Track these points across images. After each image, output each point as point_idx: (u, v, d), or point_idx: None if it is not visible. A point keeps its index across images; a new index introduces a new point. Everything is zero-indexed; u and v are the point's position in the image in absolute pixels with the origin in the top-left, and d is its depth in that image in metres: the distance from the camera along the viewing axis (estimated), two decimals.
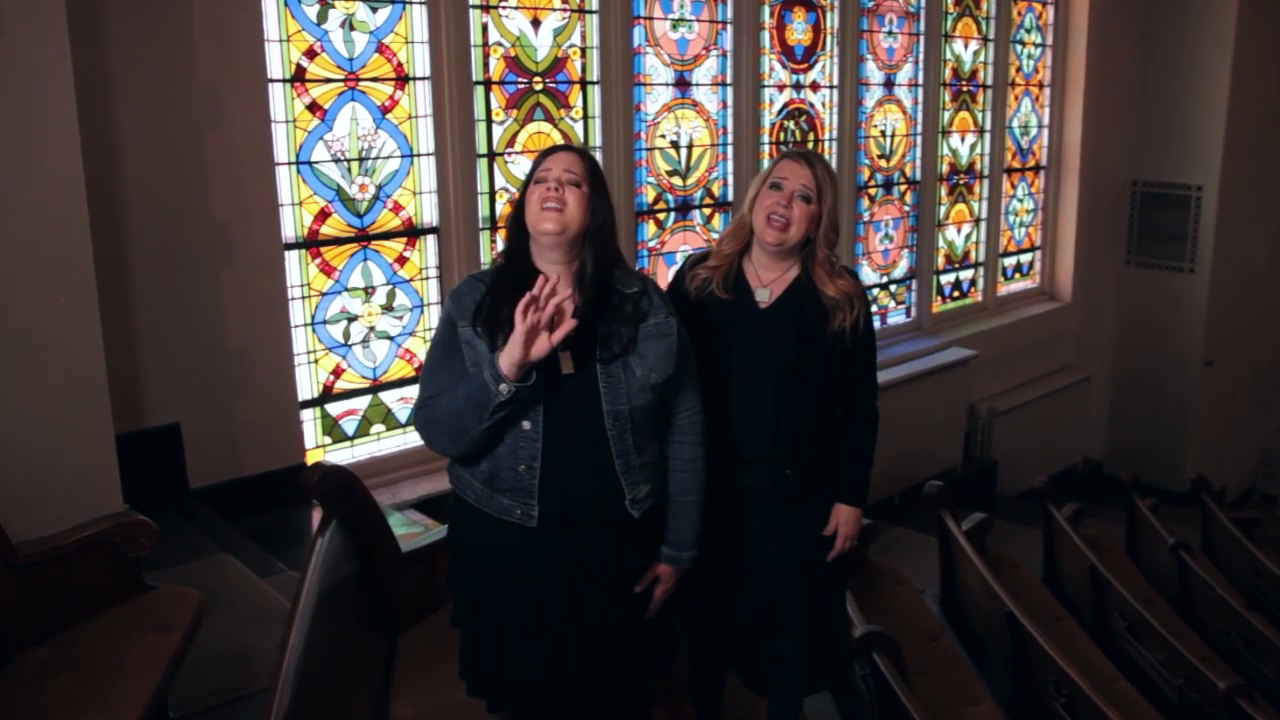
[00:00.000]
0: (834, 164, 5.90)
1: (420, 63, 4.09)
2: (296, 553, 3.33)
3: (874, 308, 6.23)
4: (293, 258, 3.86)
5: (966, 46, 6.67)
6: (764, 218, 2.55)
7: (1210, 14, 7.38)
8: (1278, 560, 5.28)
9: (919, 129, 6.43)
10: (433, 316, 4.26)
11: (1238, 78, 7.43)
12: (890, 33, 6.10)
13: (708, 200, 5.28)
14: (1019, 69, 7.13)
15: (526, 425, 2.12)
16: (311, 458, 3.98)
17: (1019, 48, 7.09)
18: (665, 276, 2.75)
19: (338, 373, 4.08)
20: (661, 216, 5.10)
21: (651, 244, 5.08)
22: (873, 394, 2.75)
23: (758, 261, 2.63)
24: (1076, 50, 7.35)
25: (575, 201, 2.15)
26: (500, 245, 4.28)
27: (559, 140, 4.52)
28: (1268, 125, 8.12)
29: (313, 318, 3.97)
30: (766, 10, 5.36)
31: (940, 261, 6.80)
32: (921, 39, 6.30)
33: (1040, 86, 7.36)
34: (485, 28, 4.25)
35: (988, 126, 6.96)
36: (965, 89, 6.73)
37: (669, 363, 2.23)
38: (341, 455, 4.11)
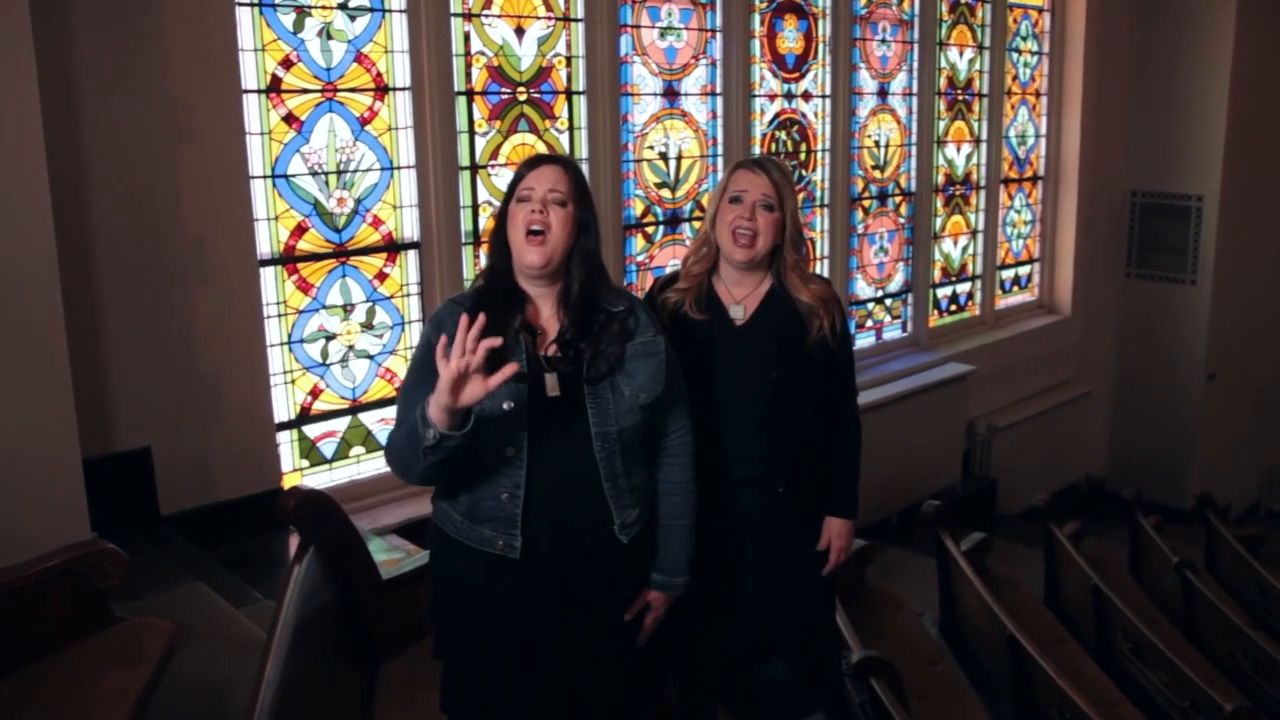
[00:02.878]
0: (827, 175, 5.92)
1: (400, 73, 4.08)
2: (273, 581, 3.29)
3: (869, 322, 6.25)
4: (268, 274, 3.84)
5: (961, 55, 6.71)
6: (729, 234, 2.55)
7: (1208, 22, 7.45)
8: None
9: (914, 139, 6.45)
10: (414, 334, 4.24)
11: (1237, 86, 7.49)
12: (884, 41, 6.12)
13: (698, 213, 5.28)
14: (1015, 77, 7.18)
15: (510, 452, 2.10)
16: (288, 482, 3.95)
17: (1015, 56, 7.14)
18: None
19: (315, 393, 4.05)
20: (650, 230, 5.10)
21: (640, 258, 5.07)
22: (854, 404, 2.76)
23: (728, 278, 2.64)
24: (1074, 58, 7.40)
25: (560, 224, 2.14)
26: (484, 261, 4.28)
27: (544, 152, 4.51)
28: (1268, 134, 8.18)
29: (289, 336, 3.94)
30: (757, 18, 5.38)
31: (937, 274, 6.82)
32: (915, 47, 6.33)
33: (1037, 95, 7.41)
34: (467, 37, 4.25)
35: (984, 136, 6.99)
36: (961, 98, 6.76)
37: (658, 382, 2.23)
38: (320, 479, 4.08)
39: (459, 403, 1.93)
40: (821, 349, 2.60)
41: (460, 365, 1.90)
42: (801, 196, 5.81)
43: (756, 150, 5.46)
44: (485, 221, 4.36)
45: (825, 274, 5.77)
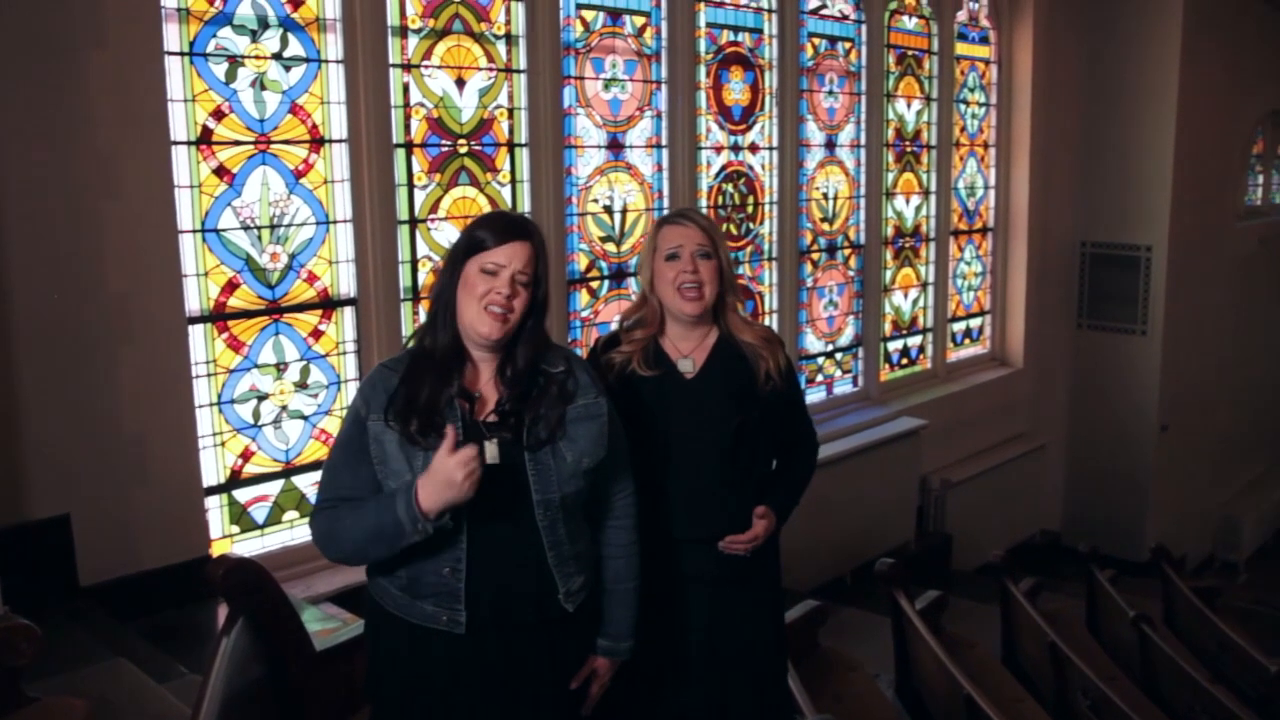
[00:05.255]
0: (775, 228, 6.01)
1: (337, 124, 4.09)
2: (200, 654, 3.22)
3: (820, 377, 6.32)
4: (197, 332, 3.80)
5: (909, 106, 6.87)
6: (673, 292, 2.60)
7: (1153, 74, 7.72)
8: (1241, 631, 5.38)
9: (862, 191, 6.58)
10: (350, 394, 4.21)
11: (1182, 136, 7.75)
12: (831, 92, 6.26)
13: None
14: (963, 129, 7.37)
15: (450, 525, 2.09)
16: (218, 549, 3.88)
17: (963, 107, 7.33)
18: None
19: (246, 456, 4.00)
20: (595, 285, 5.13)
21: (584, 314, 5.09)
22: (811, 428, 2.82)
23: (674, 335, 2.68)
24: (1021, 110, 7.62)
25: (522, 306, 2.15)
26: (423, 316, 4.26)
27: (485, 207, 4.52)
28: (1213, 184, 8.47)
29: (219, 397, 3.90)
30: (703, 70, 5.48)
31: (887, 328, 6.91)
32: (863, 99, 6.48)
33: (985, 147, 7.60)
34: (406, 88, 4.28)
35: (933, 188, 7.14)
36: (909, 150, 6.92)
37: (601, 446, 2.23)
38: (251, 545, 4.01)
39: (465, 495, 1.99)
40: (774, 393, 2.64)
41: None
42: (749, 250, 5.89)
43: (703, 203, 5.53)
44: (425, 277, 4.36)
45: (775, 328, 5.84)
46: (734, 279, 2.71)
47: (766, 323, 5.89)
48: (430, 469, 2.00)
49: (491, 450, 2.10)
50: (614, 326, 2.83)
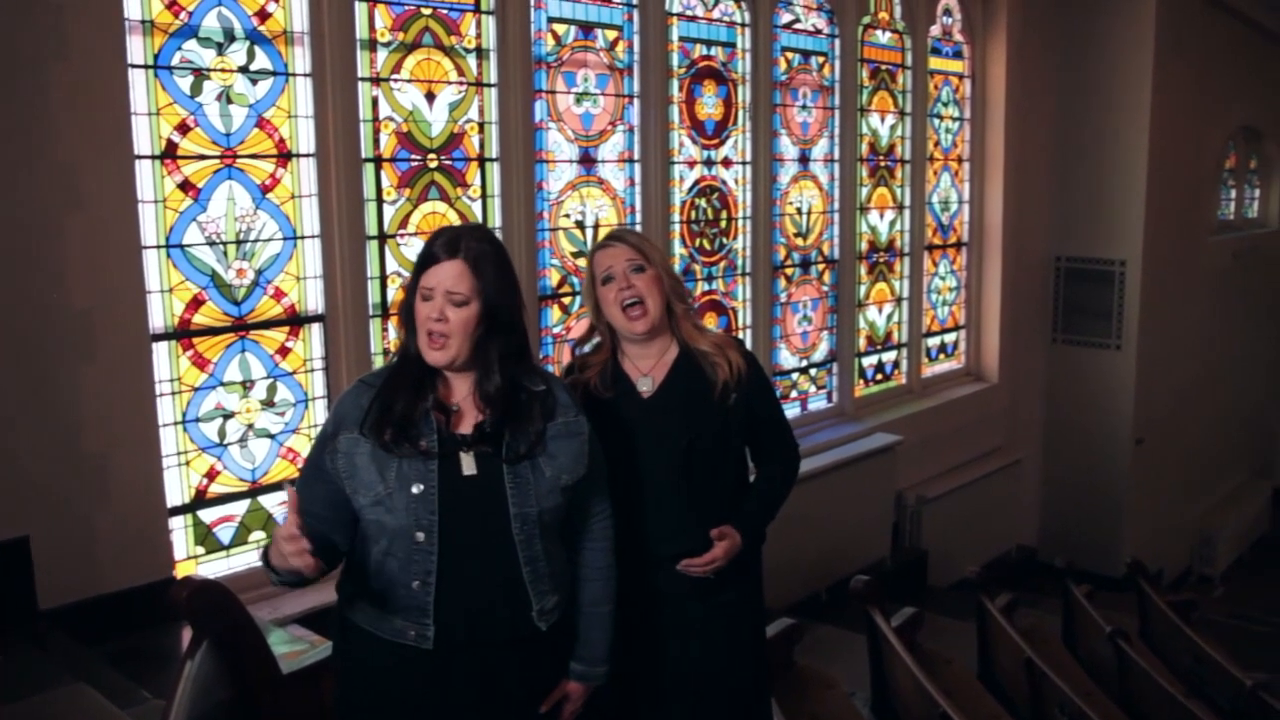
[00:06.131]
0: (748, 243, 6.03)
1: (304, 138, 4.08)
2: (163, 679, 3.18)
3: (794, 393, 6.33)
4: (161, 349, 3.78)
5: (883, 121, 6.93)
6: (618, 313, 2.63)
7: (1127, 89, 7.82)
8: (1216, 644, 5.42)
9: (836, 206, 6.61)
10: (318, 411, 4.19)
11: (1156, 150, 7.86)
12: (804, 107, 6.30)
13: None
14: (937, 143, 7.43)
15: (420, 536, 2.09)
16: (181, 571, 3.84)
17: (937, 122, 7.39)
18: None
19: (212, 475, 3.97)
20: (566, 300, 5.13)
21: (556, 330, 5.09)
22: (790, 437, 2.82)
23: (632, 354, 2.70)
24: (995, 125, 7.69)
25: (461, 325, 2.14)
26: (392, 334, 4.26)
27: (455, 222, 4.52)
28: (1186, 198, 8.58)
29: (184, 415, 3.87)
30: (675, 84, 5.51)
31: (862, 343, 6.95)
32: (837, 113, 6.52)
33: (959, 161, 7.67)
34: (375, 101, 4.28)
35: (907, 203, 7.19)
36: (883, 164, 6.97)
37: (581, 464, 2.25)
38: (216, 566, 3.98)
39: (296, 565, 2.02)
40: (736, 404, 2.65)
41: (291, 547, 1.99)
42: (722, 265, 5.91)
43: (676, 219, 5.55)
44: (394, 293, 4.35)
45: (748, 344, 5.85)
46: (679, 287, 2.71)
47: (740, 338, 5.91)
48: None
49: (468, 462, 2.12)
50: (580, 351, 2.85)
